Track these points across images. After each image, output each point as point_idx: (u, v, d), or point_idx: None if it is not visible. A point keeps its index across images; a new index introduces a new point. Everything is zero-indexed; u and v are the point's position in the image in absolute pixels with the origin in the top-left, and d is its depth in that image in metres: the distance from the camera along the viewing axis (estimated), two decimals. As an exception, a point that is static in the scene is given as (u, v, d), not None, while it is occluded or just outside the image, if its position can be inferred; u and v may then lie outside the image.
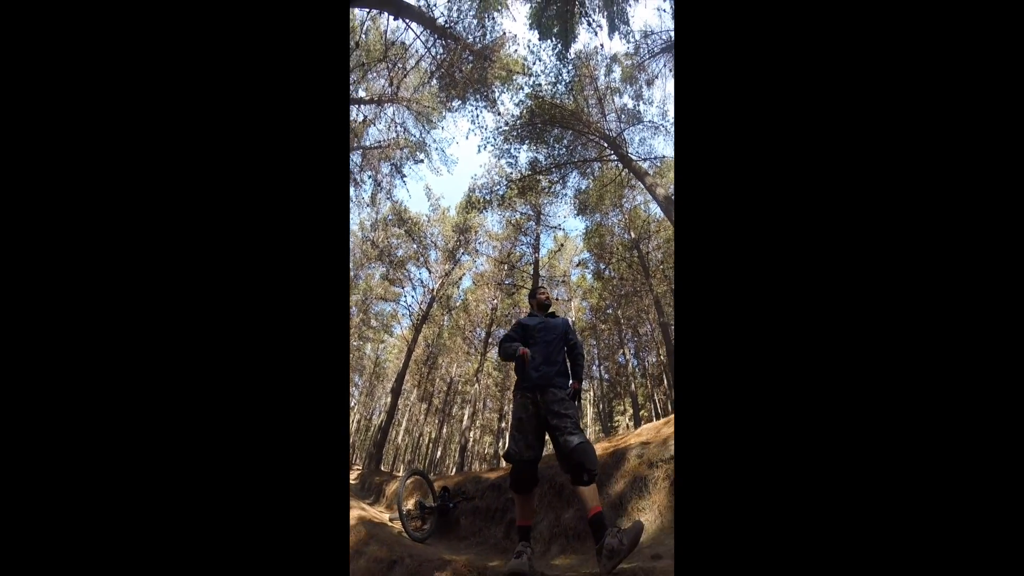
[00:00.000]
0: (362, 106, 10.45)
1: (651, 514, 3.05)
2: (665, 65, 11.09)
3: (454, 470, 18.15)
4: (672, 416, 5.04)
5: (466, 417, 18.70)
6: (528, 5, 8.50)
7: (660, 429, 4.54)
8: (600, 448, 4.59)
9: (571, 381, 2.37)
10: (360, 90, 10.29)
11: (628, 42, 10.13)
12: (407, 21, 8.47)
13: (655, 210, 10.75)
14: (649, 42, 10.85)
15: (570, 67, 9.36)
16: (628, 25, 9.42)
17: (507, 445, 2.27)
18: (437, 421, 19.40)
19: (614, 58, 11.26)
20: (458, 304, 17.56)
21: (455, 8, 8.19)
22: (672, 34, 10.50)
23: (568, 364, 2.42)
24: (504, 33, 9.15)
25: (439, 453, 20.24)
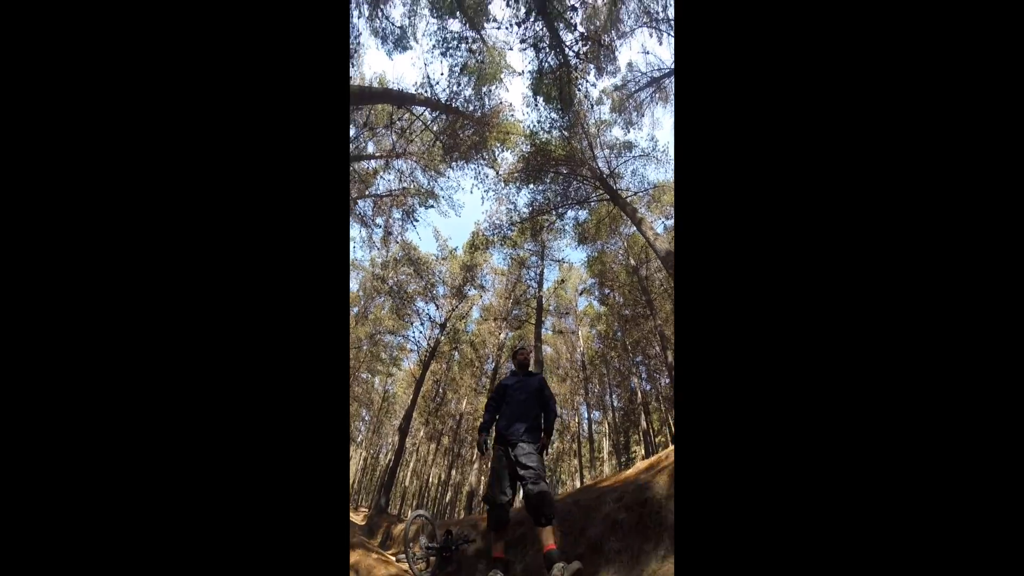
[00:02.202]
0: (373, 161, 11.16)
1: (626, 556, 3.22)
2: (651, 95, 11.62)
3: (463, 515, 17.85)
4: (657, 455, 5.16)
5: (476, 459, 18.20)
6: (526, 76, 9.00)
7: (642, 470, 4.66)
8: (593, 488, 4.74)
9: (542, 435, 2.77)
10: (370, 144, 11.03)
11: (615, 76, 10.74)
12: (410, 108, 9.22)
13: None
14: (635, 74, 11.38)
15: (566, 118, 9.83)
16: (615, 64, 10.11)
17: (486, 491, 2.76)
18: (446, 463, 19.00)
19: (603, 91, 11.93)
20: (466, 337, 17.75)
21: (455, 83, 8.91)
22: (655, 70, 11.06)
23: (542, 417, 2.84)
24: (501, 102, 9.87)
25: (448, 496, 19.70)
